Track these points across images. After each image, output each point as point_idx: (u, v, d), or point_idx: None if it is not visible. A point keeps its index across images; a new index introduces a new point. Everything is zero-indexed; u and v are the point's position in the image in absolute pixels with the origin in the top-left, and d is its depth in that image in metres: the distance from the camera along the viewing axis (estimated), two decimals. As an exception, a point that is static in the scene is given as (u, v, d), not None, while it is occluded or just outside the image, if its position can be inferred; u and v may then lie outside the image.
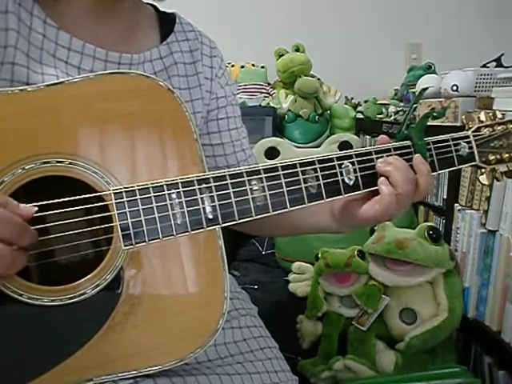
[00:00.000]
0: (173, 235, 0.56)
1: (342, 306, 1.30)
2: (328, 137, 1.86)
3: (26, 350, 0.53)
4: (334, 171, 0.63)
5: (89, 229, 0.55)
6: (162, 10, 0.78)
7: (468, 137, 0.71)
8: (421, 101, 1.39)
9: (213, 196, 0.58)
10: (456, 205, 1.28)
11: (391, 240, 1.21)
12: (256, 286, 1.47)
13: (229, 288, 0.61)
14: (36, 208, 0.51)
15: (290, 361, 0.79)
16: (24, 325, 0.54)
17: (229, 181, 0.59)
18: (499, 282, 1.12)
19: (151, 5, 0.78)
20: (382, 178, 0.64)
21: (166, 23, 0.76)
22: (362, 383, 1.13)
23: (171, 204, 0.56)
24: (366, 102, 2.01)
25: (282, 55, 1.96)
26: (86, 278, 0.55)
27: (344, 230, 0.73)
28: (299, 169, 0.62)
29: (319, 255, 1.30)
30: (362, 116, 1.98)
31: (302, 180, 0.62)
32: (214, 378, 0.65)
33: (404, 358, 1.17)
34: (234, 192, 0.59)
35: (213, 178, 0.58)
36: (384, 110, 1.85)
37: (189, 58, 0.76)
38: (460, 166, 0.70)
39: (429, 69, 1.82)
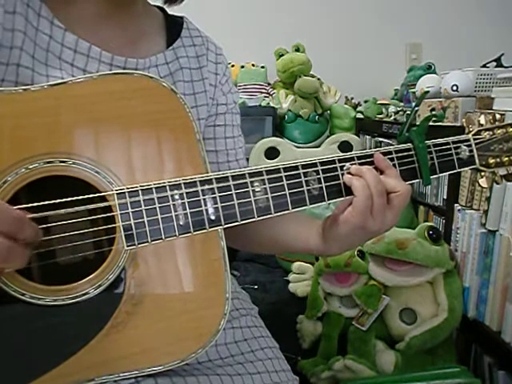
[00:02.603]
0: (175, 236, 0.56)
1: (341, 306, 1.31)
2: (328, 137, 1.85)
3: (28, 350, 0.53)
4: (336, 173, 0.64)
5: (91, 229, 0.55)
6: (170, 13, 0.78)
7: (468, 140, 0.71)
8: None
9: (215, 197, 0.58)
10: (456, 205, 1.28)
11: (391, 240, 1.22)
12: (256, 286, 1.47)
13: (230, 288, 0.61)
14: (29, 214, 0.51)
15: (290, 361, 0.79)
16: (26, 324, 0.54)
17: (231, 182, 0.59)
18: (499, 282, 1.12)
19: (159, 8, 0.78)
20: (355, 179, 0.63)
21: (173, 28, 0.76)
22: (361, 383, 1.14)
23: (174, 205, 0.56)
24: (366, 101, 2.01)
25: (282, 55, 1.96)
26: (88, 277, 0.55)
27: (333, 249, 0.70)
28: (301, 170, 0.62)
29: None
30: (361, 116, 1.98)
31: (303, 182, 0.62)
32: (214, 378, 0.66)
33: (404, 358, 1.17)
34: (236, 193, 0.59)
35: (215, 179, 0.58)
36: (384, 110, 1.85)
37: (195, 63, 0.76)
38: (460, 169, 0.71)
39: (429, 69, 1.82)
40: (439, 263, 1.19)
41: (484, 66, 1.51)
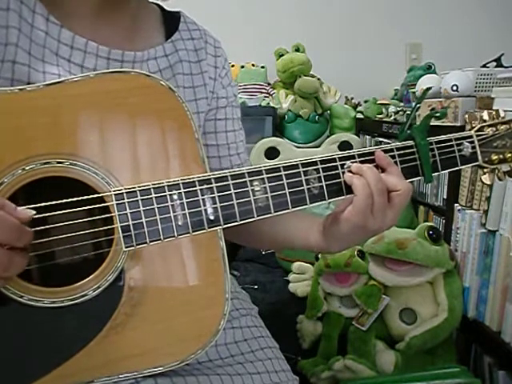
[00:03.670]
0: (174, 236, 0.56)
1: (341, 306, 1.30)
2: (328, 137, 1.86)
3: (27, 352, 0.53)
4: (337, 172, 0.63)
5: (90, 230, 0.55)
6: (167, 9, 0.77)
7: (471, 136, 0.70)
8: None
9: (214, 197, 0.58)
10: (456, 205, 1.28)
11: (391, 240, 1.21)
12: (256, 286, 1.47)
13: (230, 288, 0.61)
14: (34, 212, 0.51)
15: (290, 361, 0.79)
16: (24, 326, 0.54)
17: (230, 181, 0.58)
18: (499, 282, 1.12)
19: (156, 4, 0.77)
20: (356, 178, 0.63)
21: (171, 22, 0.75)
22: (361, 383, 1.13)
23: (172, 205, 0.56)
24: (366, 101, 2.01)
25: (282, 55, 1.96)
26: (87, 279, 0.55)
27: (333, 247, 0.70)
28: (301, 169, 0.62)
29: (319, 255, 1.30)
30: (361, 116, 1.98)
31: (303, 181, 0.62)
32: (214, 378, 0.65)
33: (404, 358, 1.17)
34: (235, 193, 0.58)
35: (214, 178, 0.58)
36: (384, 110, 1.84)
37: (194, 56, 0.75)
38: (463, 167, 0.70)
39: (429, 69, 1.81)
40: (439, 263, 1.19)
41: (484, 66, 1.51)
